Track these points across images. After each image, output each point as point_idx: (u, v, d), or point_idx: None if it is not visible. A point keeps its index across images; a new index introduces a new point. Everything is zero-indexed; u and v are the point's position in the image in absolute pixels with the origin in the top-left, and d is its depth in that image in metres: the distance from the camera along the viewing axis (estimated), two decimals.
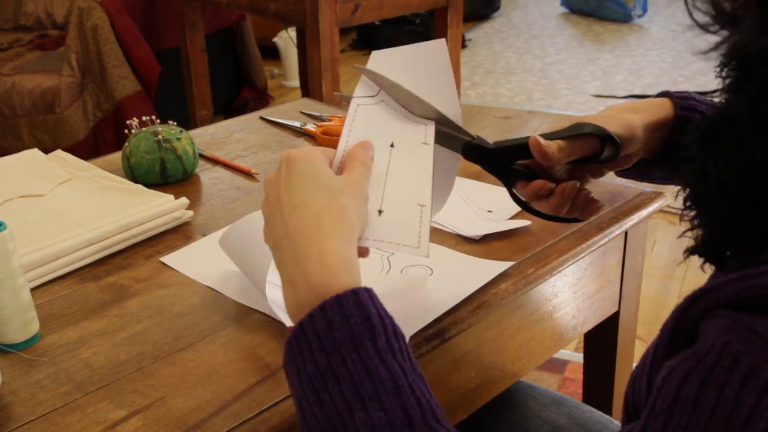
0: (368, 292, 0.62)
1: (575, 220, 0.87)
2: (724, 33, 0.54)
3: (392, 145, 0.80)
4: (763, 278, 0.47)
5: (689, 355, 0.49)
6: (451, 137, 0.83)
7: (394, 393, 0.58)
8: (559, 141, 0.81)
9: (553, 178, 0.86)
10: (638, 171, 0.93)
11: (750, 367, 0.46)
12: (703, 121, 0.59)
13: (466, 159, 0.84)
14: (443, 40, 0.83)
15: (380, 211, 0.77)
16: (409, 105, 0.82)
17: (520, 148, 0.82)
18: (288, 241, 0.66)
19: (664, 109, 0.88)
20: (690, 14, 0.56)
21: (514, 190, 0.86)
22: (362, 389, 0.58)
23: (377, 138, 0.79)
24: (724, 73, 0.56)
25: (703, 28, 0.55)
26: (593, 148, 0.82)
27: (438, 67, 0.83)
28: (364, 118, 0.80)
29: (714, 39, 0.55)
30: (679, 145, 0.82)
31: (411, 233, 0.76)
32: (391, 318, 0.62)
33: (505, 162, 0.84)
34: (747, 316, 0.48)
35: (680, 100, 0.88)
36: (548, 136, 0.81)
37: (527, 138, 0.81)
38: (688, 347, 0.50)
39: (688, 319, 0.52)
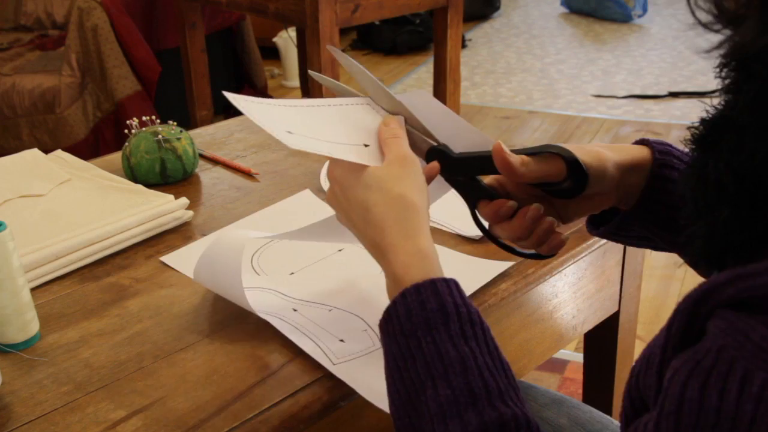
0: (447, 282, 0.67)
1: (537, 257, 0.82)
2: (727, 32, 0.54)
3: (366, 146, 0.79)
4: (762, 278, 0.47)
5: (690, 357, 0.49)
6: (418, 140, 0.81)
7: (462, 374, 0.63)
8: (523, 156, 0.77)
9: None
10: (615, 226, 0.85)
11: (744, 373, 0.46)
12: (702, 122, 0.59)
13: (426, 162, 0.81)
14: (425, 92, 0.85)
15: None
16: (378, 98, 0.83)
17: (484, 160, 0.77)
18: (373, 250, 0.74)
19: (640, 151, 0.82)
20: (693, 13, 0.56)
21: (476, 211, 0.81)
22: (433, 369, 0.63)
23: (354, 136, 0.80)
24: (723, 74, 0.56)
25: (706, 26, 0.55)
26: (558, 171, 0.77)
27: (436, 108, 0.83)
28: (340, 114, 0.82)
29: (716, 38, 0.55)
30: (658, 197, 0.79)
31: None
32: (468, 306, 0.66)
33: (468, 174, 0.80)
34: (743, 318, 0.48)
35: (658, 145, 0.82)
36: (513, 152, 0.77)
37: (490, 151, 0.77)
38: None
39: (696, 321, 0.52)
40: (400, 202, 0.72)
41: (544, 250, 0.80)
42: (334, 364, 0.80)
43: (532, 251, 0.81)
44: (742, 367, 0.46)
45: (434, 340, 0.64)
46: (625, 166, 0.80)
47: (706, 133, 0.58)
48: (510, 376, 0.65)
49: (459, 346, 0.64)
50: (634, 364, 0.62)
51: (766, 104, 0.52)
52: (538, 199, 0.81)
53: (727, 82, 0.56)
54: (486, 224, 0.82)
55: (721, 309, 0.50)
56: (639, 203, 0.81)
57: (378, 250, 0.72)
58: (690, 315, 0.52)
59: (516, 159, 0.76)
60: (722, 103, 0.57)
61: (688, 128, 0.60)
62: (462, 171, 0.80)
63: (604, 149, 0.80)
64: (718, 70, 0.56)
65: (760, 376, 0.45)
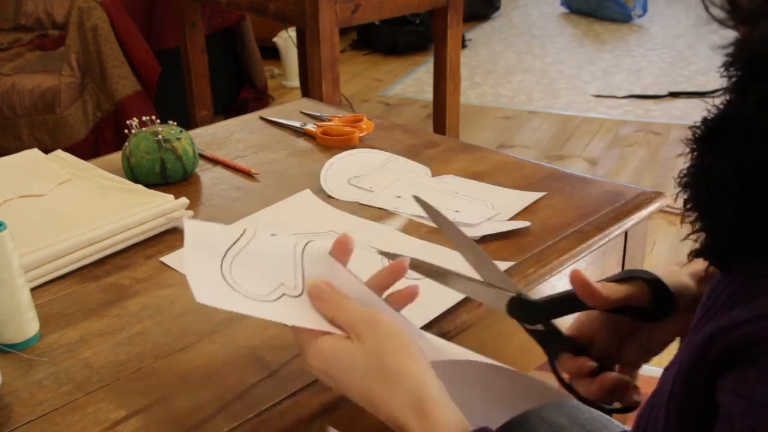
0: None
1: (622, 410, 0.79)
2: (741, 29, 0.53)
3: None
4: (742, 328, 0.47)
5: None
6: (492, 290, 0.78)
7: None
8: (605, 282, 0.75)
9: (599, 357, 0.79)
10: None
11: None
12: (704, 121, 0.58)
13: (509, 315, 0.79)
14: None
15: None
16: (462, 249, 0.79)
17: (566, 299, 0.76)
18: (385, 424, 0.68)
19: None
20: (706, 8, 0.55)
21: (555, 364, 0.79)
22: None
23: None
24: (729, 72, 0.55)
25: (721, 23, 0.54)
26: (642, 293, 0.75)
27: None
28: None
29: (727, 34, 0.54)
30: None
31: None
32: None
33: (550, 316, 0.78)
34: (750, 385, 0.48)
35: None
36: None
37: (570, 291, 0.75)
38: (705, 391, 0.51)
39: (707, 357, 0.51)
40: (397, 377, 0.66)
41: (624, 404, 0.79)
42: None
43: (614, 405, 0.80)
44: None
45: None
46: (699, 275, 0.78)
47: (709, 132, 0.57)
48: None
49: None
50: (651, 394, 0.61)
51: None
52: (621, 334, 0.79)
53: (732, 80, 0.55)
54: (566, 376, 0.80)
55: (727, 379, 0.50)
56: None
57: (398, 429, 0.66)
58: (697, 357, 0.52)
59: (598, 285, 0.74)
60: (725, 102, 0.56)
61: (690, 128, 0.59)
62: (544, 316, 0.78)
63: (679, 268, 0.79)
64: (723, 68, 0.55)
65: None
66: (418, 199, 0.82)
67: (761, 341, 0.47)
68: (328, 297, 0.72)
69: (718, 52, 0.54)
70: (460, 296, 0.90)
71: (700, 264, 0.77)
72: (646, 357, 0.81)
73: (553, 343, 0.78)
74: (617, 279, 0.77)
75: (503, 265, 0.97)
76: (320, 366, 0.69)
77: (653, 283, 0.75)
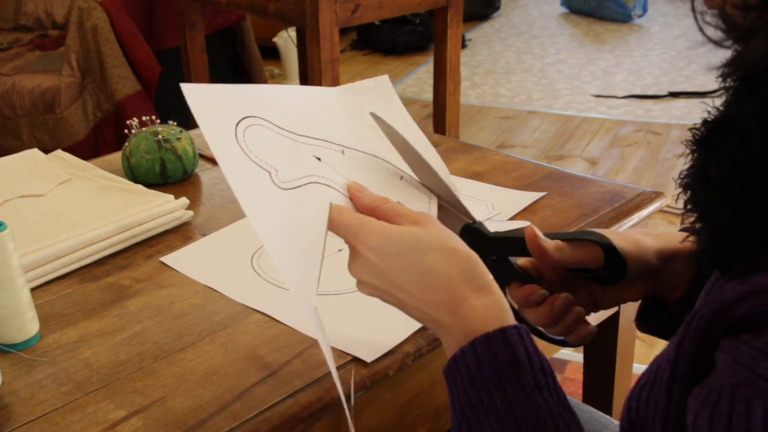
0: (518, 330, 0.64)
1: (565, 344, 0.81)
2: (736, 47, 0.54)
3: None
4: None
5: (706, 397, 0.51)
6: (450, 215, 0.79)
7: (535, 427, 0.60)
8: (558, 241, 0.76)
9: (550, 288, 0.79)
10: (666, 320, 0.81)
11: (764, 412, 0.47)
12: (704, 123, 0.58)
13: (461, 239, 0.77)
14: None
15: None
16: (416, 169, 0.79)
17: (519, 241, 0.77)
18: (438, 313, 0.67)
19: (682, 238, 0.79)
20: (701, 30, 0.55)
21: (506, 292, 0.79)
22: (506, 422, 0.61)
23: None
24: (727, 83, 0.55)
25: (717, 43, 0.54)
26: (594, 258, 0.76)
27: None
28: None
29: (721, 51, 0.54)
30: None
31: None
32: (539, 355, 0.63)
33: (501, 253, 0.78)
34: (744, 350, 0.49)
35: None
36: (548, 236, 0.76)
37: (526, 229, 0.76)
38: (710, 365, 0.53)
39: (711, 334, 0.53)
40: (458, 256, 0.67)
41: (572, 339, 0.79)
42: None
43: (561, 337, 0.80)
44: (761, 405, 0.47)
45: (506, 393, 0.61)
46: (666, 253, 0.78)
47: (708, 134, 0.57)
48: (577, 420, 0.63)
49: (532, 398, 0.61)
50: (639, 376, 0.62)
51: None
52: (572, 281, 0.79)
53: (730, 90, 0.55)
54: (515, 306, 0.80)
55: (726, 339, 0.51)
56: (688, 292, 0.79)
57: (446, 309, 0.66)
58: (703, 334, 0.53)
59: (550, 244, 0.75)
60: (724, 104, 0.57)
61: (690, 129, 0.60)
62: (496, 251, 0.78)
63: (645, 236, 0.79)
64: (720, 79, 0.55)
65: None
66: (375, 117, 0.78)
67: (758, 315, 0.49)
68: (366, 190, 0.72)
69: (714, 72, 0.54)
70: None
71: (670, 242, 0.78)
72: (594, 309, 0.81)
73: (504, 272, 0.78)
74: (573, 238, 0.77)
75: None
76: (376, 246, 0.67)
77: (608, 249, 0.75)
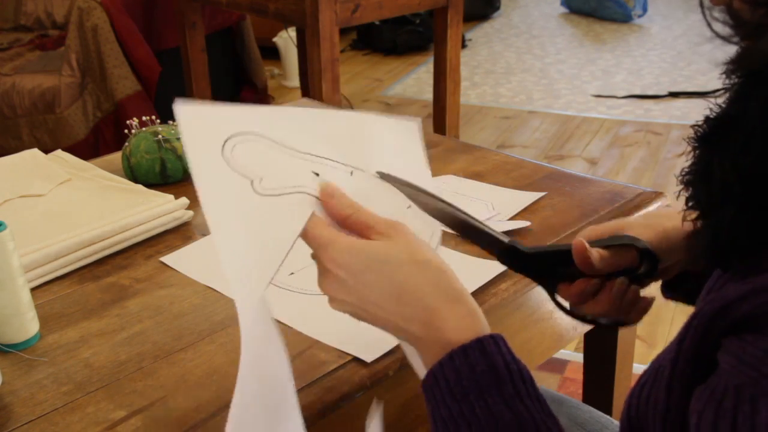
0: (494, 339, 0.63)
1: (624, 323, 0.82)
2: (744, 44, 0.53)
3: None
4: None
5: (710, 397, 0.51)
6: (483, 236, 0.77)
7: None
8: (600, 249, 0.77)
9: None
10: (690, 290, 0.82)
11: None
12: (706, 120, 0.58)
13: (500, 263, 0.79)
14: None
15: None
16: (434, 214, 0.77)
17: (559, 255, 0.78)
18: (412, 326, 0.66)
19: None
20: (709, 25, 0.55)
21: (556, 296, 0.80)
22: None
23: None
24: (731, 80, 0.55)
25: (725, 39, 0.54)
26: (632, 260, 0.78)
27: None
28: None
29: (726, 47, 0.54)
30: None
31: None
32: (517, 362, 0.63)
33: (542, 267, 0.79)
34: (749, 350, 0.49)
35: None
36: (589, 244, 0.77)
37: (566, 245, 0.77)
38: (710, 364, 0.52)
39: (712, 333, 0.53)
40: (430, 268, 0.66)
41: (635, 316, 0.80)
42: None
43: (618, 319, 0.81)
44: (766, 405, 0.47)
45: (487, 404, 0.61)
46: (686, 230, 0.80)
47: (711, 131, 0.57)
48: (560, 425, 0.63)
49: (513, 407, 0.61)
50: (641, 374, 0.62)
51: None
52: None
53: (734, 87, 0.55)
54: (567, 304, 0.80)
55: (728, 339, 0.51)
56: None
57: (419, 323, 0.65)
58: (704, 332, 0.53)
59: (595, 255, 0.76)
60: (727, 101, 0.56)
61: (692, 126, 0.59)
62: (535, 267, 0.79)
63: (666, 220, 0.80)
64: (724, 76, 0.55)
65: None
66: (383, 175, 0.75)
67: (760, 315, 0.49)
68: (342, 196, 0.70)
69: (717, 69, 0.54)
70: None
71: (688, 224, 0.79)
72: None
73: (550, 277, 0.79)
74: (611, 244, 0.78)
75: (502, 266, 0.97)
76: (345, 263, 0.66)
77: (643, 252, 0.77)
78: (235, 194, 0.68)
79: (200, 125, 0.69)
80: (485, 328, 0.65)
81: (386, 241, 0.67)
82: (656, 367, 0.59)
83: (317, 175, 0.72)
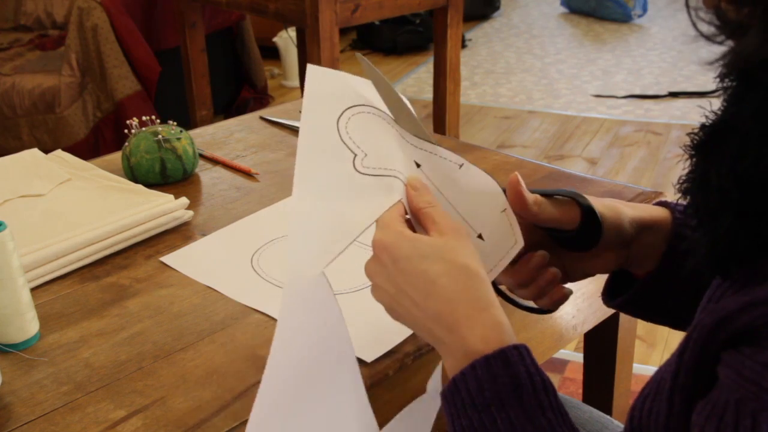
0: (518, 350, 0.63)
1: (537, 311, 0.80)
2: (730, 43, 0.53)
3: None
4: None
5: (711, 411, 0.50)
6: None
7: None
8: (537, 195, 0.75)
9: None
10: (634, 295, 0.81)
11: None
12: (702, 128, 0.58)
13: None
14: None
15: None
16: (400, 117, 0.77)
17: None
18: (436, 325, 0.66)
19: (658, 211, 0.79)
20: (694, 25, 0.55)
21: None
22: None
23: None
24: (725, 83, 0.55)
25: (710, 39, 0.54)
26: (572, 218, 0.75)
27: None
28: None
29: (718, 49, 0.54)
30: (680, 259, 0.73)
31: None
32: (540, 374, 0.62)
33: None
34: (749, 364, 0.49)
35: (678, 206, 0.79)
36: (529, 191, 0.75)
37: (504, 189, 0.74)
38: (711, 377, 0.52)
39: (712, 345, 0.52)
40: (466, 273, 0.66)
41: (545, 303, 0.78)
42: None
43: (532, 304, 0.79)
44: (766, 420, 0.47)
45: (509, 416, 0.61)
46: (642, 223, 0.78)
47: (707, 139, 0.57)
48: None
49: (535, 419, 0.60)
50: (644, 386, 0.62)
51: None
52: (546, 249, 0.78)
53: (728, 91, 0.55)
54: None
55: (727, 352, 0.51)
56: (660, 266, 0.78)
57: (445, 325, 0.65)
58: (703, 345, 0.53)
59: (530, 196, 0.74)
60: (722, 108, 0.56)
61: (688, 134, 0.59)
62: None
63: (622, 205, 0.79)
64: (718, 79, 0.55)
65: None
66: (361, 58, 0.76)
67: (760, 327, 0.49)
68: (426, 190, 0.71)
69: (707, 68, 0.54)
70: None
71: (646, 212, 0.78)
72: (564, 280, 0.80)
73: None
74: (553, 193, 0.76)
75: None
76: (391, 248, 0.66)
77: (586, 210, 0.74)
78: (334, 163, 0.69)
79: (325, 87, 0.70)
80: (511, 339, 0.64)
81: (439, 237, 0.67)
82: (658, 379, 0.59)
83: (418, 166, 0.72)
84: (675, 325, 0.83)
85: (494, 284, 0.77)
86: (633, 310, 0.83)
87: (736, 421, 0.48)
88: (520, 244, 0.74)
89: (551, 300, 0.77)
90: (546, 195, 0.75)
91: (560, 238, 0.78)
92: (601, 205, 0.76)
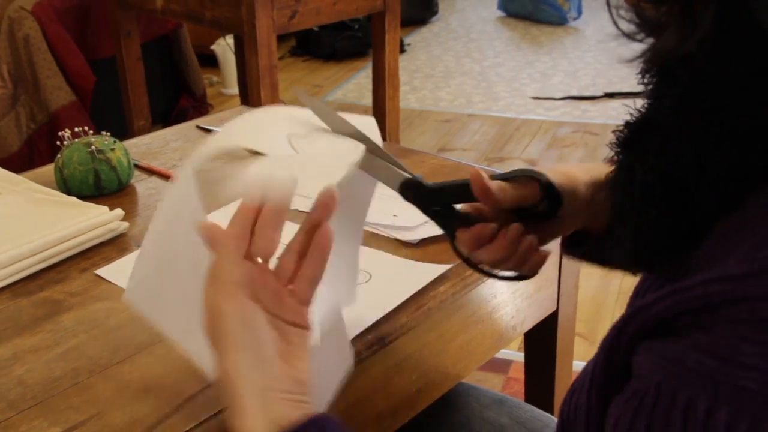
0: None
1: (519, 278, 0.82)
2: (650, 41, 0.55)
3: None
4: (690, 292, 0.47)
5: (630, 398, 0.49)
6: (387, 171, 0.79)
7: None
8: (500, 182, 0.77)
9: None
10: (591, 248, 0.84)
11: (686, 404, 0.45)
12: (626, 125, 0.59)
13: (403, 197, 0.80)
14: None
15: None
16: (338, 127, 0.78)
17: (461, 188, 0.77)
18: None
19: (607, 168, 0.80)
20: (615, 23, 0.56)
21: (455, 243, 0.80)
22: None
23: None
24: (646, 80, 0.56)
25: (630, 36, 0.56)
26: (533, 194, 0.77)
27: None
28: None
29: (639, 47, 0.55)
30: None
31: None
32: None
33: (444, 203, 0.79)
34: (671, 347, 0.48)
35: None
36: (489, 178, 0.77)
37: (467, 179, 0.76)
38: (622, 371, 0.51)
39: (622, 338, 0.52)
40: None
41: (527, 270, 0.80)
42: None
43: (513, 273, 0.81)
44: (684, 397, 0.45)
45: None
46: (595, 184, 0.80)
47: (631, 135, 0.58)
48: None
49: None
50: (574, 380, 0.62)
51: (689, 108, 0.52)
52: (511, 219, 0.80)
53: (649, 87, 0.56)
54: (466, 253, 0.80)
55: (645, 342, 0.50)
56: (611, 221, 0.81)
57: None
58: (617, 334, 0.52)
59: (494, 185, 0.75)
60: (645, 105, 0.58)
61: (613, 131, 0.61)
62: (438, 201, 0.79)
63: (576, 169, 0.81)
64: (640, 76, 0.56)
65: (704, 401, 0.44)
66: (301, 95, 0.78)
67: (681, 314, 0.48)
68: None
69: (626, 65, 0.55)
70: (399, 300, 0.90)
71: (597, 171, 0.80)
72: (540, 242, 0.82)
73: (449, 220, 0.80)
74: (513, 176, 0.78)
75: (441, 268, 0.97)
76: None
77: (545, 184, 0.77)
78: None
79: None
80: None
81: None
82: (584, 373, 0.60)
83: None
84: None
85: (475, 264, 0.81)
86: (592, 260, 0.86)
87: (656, 402, 0.47)
88: (354, 300, 0.80)
89: (531, 265, 0.80)
90: (506, 179, 0.78)
91: (525, 214, 0.81)
92: (556, 174, 0.79)
